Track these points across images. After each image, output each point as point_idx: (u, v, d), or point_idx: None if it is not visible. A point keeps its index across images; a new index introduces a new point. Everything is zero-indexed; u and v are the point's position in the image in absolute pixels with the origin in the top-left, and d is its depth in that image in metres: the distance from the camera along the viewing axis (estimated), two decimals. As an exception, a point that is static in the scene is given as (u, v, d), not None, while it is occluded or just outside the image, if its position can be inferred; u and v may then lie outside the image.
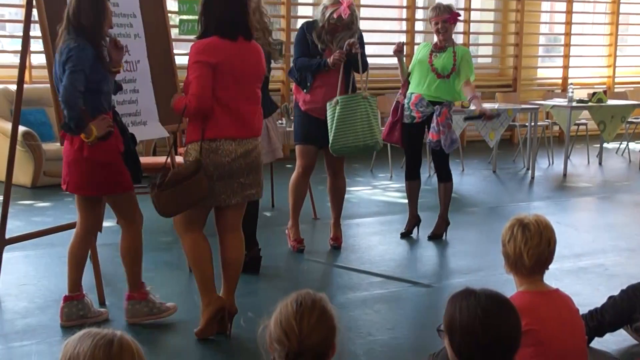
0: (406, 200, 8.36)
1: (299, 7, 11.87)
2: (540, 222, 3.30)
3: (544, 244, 3.28)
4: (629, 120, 11.41)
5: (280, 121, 7.69)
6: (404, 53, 7.02)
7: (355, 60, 6.25)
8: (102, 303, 5.08)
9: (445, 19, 6.78)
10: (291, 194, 6.58)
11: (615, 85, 14.11)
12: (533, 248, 3.26)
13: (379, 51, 12.80)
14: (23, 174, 8.57)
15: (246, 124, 4.57)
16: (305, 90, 6.32)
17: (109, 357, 2.03)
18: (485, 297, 2.55)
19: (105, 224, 6.43)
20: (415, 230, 7.15)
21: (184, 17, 9.91)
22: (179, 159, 6.00)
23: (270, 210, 7.92)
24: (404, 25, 12.53)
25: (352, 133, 6.17)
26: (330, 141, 6.17)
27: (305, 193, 6.64)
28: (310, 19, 6.56)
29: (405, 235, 7.08)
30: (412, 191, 7.15)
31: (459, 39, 12.92)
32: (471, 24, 12.82)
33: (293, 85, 6.49)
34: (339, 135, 6.14)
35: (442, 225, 7.09)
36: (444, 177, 7.05)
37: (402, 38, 12.40)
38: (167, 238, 6.72)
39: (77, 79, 4.33)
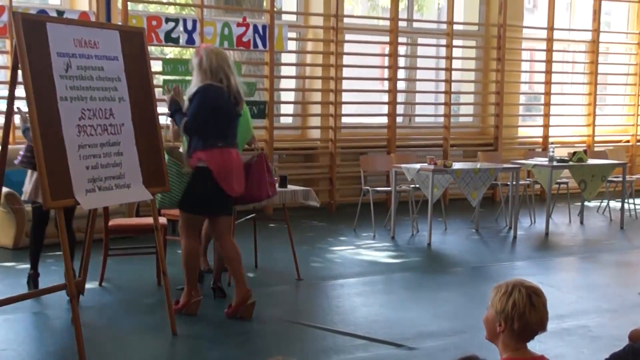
0: (391, 260, 8.41)
1: (282, 68, 11.99)
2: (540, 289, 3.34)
3: (547, 312, 3.30)
4: (609, 179, 11.50)
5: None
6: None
7: None
8: (84, 368, 5.01)
9: None
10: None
11: (595, 144, 14.25)
12: (540, 314, 3.28)
13: (361, 110, 12.94)
14: (5, 235, 8.58)
15: None
16: None
17: None
18: None
19: (88, 285, 6.42)
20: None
21: (168, 77, 10.04)
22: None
23: (253, 271, 7.89)
24: (385, 85, 12.66)
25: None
26: None
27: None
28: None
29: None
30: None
31: (440, 98, 13.06)
32: (452, 83, 12.96)
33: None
34: None
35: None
36: None
37: (384, 98, 12.52)
38: (150, 300, 6.69)
39: None
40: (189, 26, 10.46)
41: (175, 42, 10.46)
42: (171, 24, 10.32)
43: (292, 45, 11.89)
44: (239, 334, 5.94)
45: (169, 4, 11.30)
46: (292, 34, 11.84)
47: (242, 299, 6.22)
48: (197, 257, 6.37)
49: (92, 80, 5.43)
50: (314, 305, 7.05)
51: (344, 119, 12.25)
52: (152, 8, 10.83)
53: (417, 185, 9.87)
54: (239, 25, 10.83)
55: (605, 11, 14.95)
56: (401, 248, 9.33)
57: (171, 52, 12.03)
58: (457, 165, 9.87)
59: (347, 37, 12.15)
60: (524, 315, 3.24)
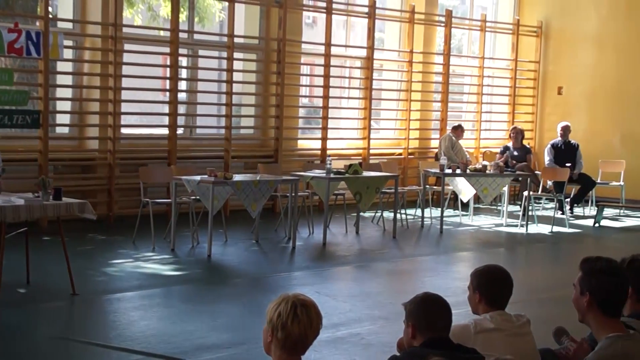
0: (170, 272, 8.38)
1: (58, 76, 11.60)
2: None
3: (313, 326, 3.36)
4: (383, 190, 11.97)
5: (37, 193, 7.39)
6: None
7: None
8: None
9: None
10: None
11: (370, 157, 14.79)
12: (314, 328, 3.33)
13: (141, 121, 12.76)
14: None
15: None
16: None
17: None
18: None
19: None
20: None
21: None
22: None
23: (25, 287, 7.56)
24: (167, 96, 12.54)
25: None
26: None
27: None
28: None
29: None
30: None
31: (221, 110, 13.10)
32: (233, 96, 13.03)
33: None
34: None
35: None
36: None
37: (165, 109, 12.41)
38: None
39: None
40: (-46, 30, 9.91)
41: (-63, 47, 9.86)
42: None
43: (68, 53, 11.52)
44: (9, 353, 5.69)
45: None
46: (69, 42, 11.48)
47: None
48: None
49: None
50: (90, 321, 6.88)
51: (124, 130, 12.02)
52: None
53: (198, 197, 9.86)
54: (10, 31, 10.35)
55: (379, 29, 15.62)
56: (181, 260, 9.27)
57: None
58: (237, 177, 9.94)
59: (127, 47, 11.92)
60: (286, 325, 3.30)
